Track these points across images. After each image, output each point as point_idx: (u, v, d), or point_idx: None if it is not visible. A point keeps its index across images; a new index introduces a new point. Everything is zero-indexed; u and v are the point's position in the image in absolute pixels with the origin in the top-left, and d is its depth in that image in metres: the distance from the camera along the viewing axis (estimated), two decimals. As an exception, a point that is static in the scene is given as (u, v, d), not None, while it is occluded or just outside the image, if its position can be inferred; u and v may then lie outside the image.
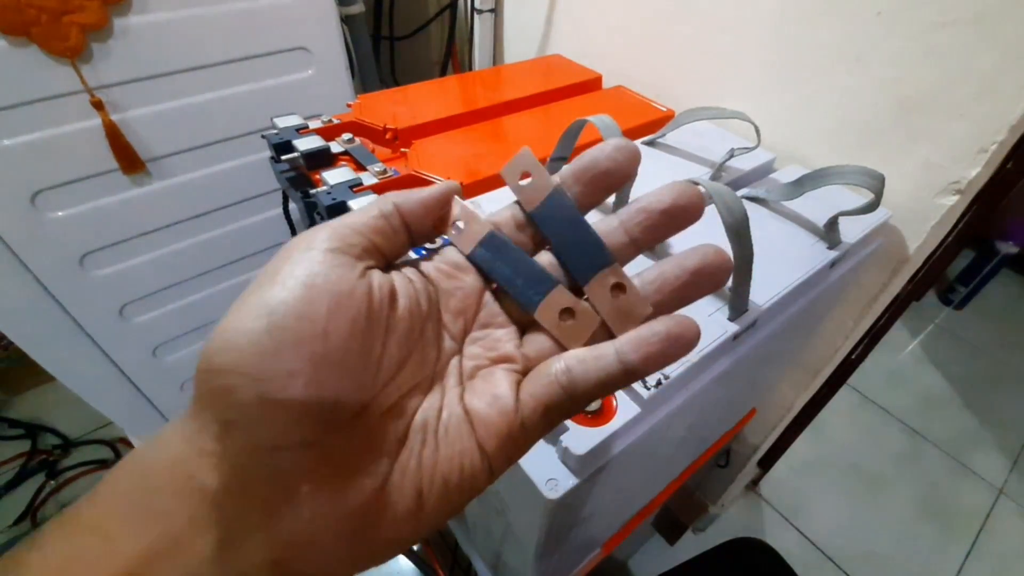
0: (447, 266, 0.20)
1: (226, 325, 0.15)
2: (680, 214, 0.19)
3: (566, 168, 0.20)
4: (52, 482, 1.11)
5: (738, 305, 0.37)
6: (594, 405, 0.32)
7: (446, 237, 0.20)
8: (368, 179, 0.50)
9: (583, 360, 0.18)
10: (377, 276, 0.17)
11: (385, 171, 0.50)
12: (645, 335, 0.17)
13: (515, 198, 0.20)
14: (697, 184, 0.18)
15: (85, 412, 0.89)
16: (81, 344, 0.75)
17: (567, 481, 0.30)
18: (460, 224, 0.20)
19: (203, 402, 0.15)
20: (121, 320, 0.77)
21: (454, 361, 0.19)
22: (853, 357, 0.69)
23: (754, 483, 1.19)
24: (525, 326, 0.20)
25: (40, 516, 1.07)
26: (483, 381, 0.19)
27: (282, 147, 0.52)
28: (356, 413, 0.16)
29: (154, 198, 0.71)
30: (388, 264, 0.19)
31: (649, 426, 0.33)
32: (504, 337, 0.20)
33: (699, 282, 0.19)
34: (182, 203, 0.74)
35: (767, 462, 1.02)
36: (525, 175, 0.20)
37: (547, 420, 0.18)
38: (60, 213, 0.64)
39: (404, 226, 0.19)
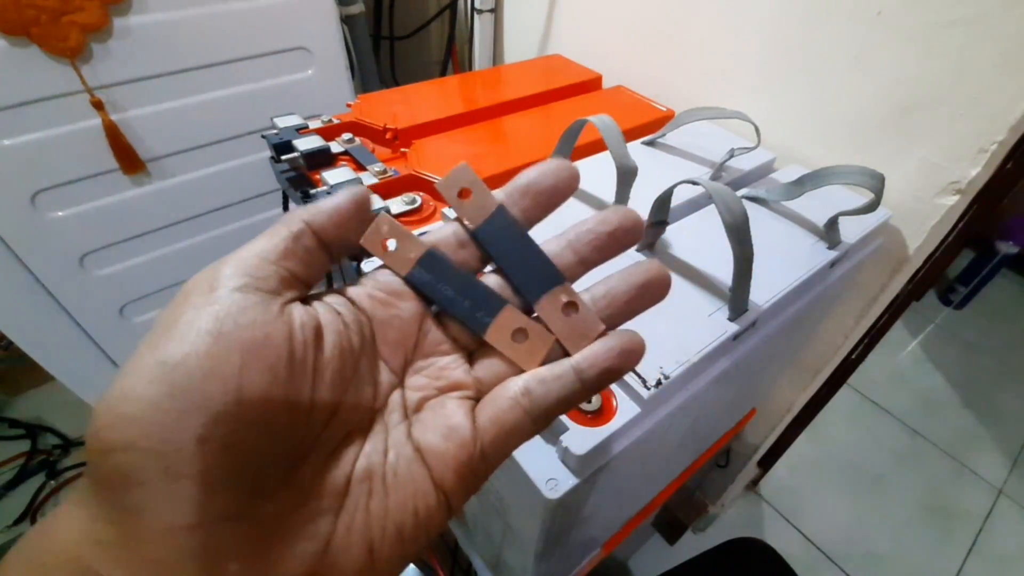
0: (381, 292, 0.18)
1: (116, 392, 0.13)
2: (624, 236, 0.19)
3: (508, 185, 0.19)
4: (52, 482, 1.11)
5: (738, 305, 0.37)
6: (594, 405, 0.32)
7: (375, 259, 0.18)
8: (368, 179, 0.50)
9: (543, 380, 0.17)
10: (298, 312, 0.15)
11: (385, 171, 0.50)
12: (601, 351, 0.17)
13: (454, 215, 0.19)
14: (633, 211, 0.19)
15: (85, 412, 0.89)
16: (81, 344, 0.75)
17: (567, 481, 0.30)
18: (391, 244, 0.18)
19: (98, 486, 0.13)
20: (121, 320, 0.77)
21: (395, 395, 0.18)
22: (853, 357, 0.69)
23: (754, 483, 1.19)
24: (472, 350, 0.19)
25: (40, 516, 1.07)
26: (433, 413, 0.17)
27: (282, 147, 0.52)
28: (285, 473, 0.15)
29: (154, 198, 0.71)
30: (308, 292, 0.17)
31: (649, 426, 0.33)
32: (451, 364, 0.18)
33: (645, 295, 0.19)
34: (182, 203, 0.74)
35: (767, 462, 1.02)
36: (465, 192, 0.19)
37: (508, 445, 0.17)
38: (60, 213, 0.64)
39: (320, 244, 0.17)
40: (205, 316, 0.14)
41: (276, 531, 0.14)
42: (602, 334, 0.18)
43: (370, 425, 0.17)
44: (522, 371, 0.18)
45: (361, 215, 0.17)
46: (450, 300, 0.18)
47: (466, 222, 0.19)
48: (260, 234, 0.16)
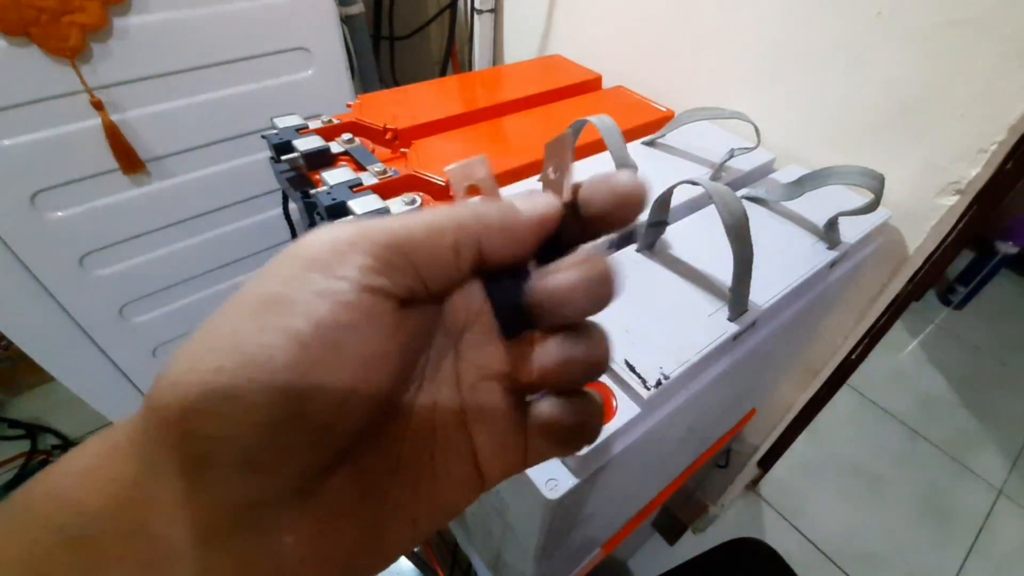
0: None
1: (216, 382, 0.12)
2: (629, 209, 0.17)
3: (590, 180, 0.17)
4: (52, 482, 1.10)
5: (738, 305, 0.37)
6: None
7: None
8: (368, 179, 0.50)
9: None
10: (412, 320, 0.15)
11: (385, 171, 0.50)
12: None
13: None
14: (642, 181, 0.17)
15: (85, 412, 0.89)
16: (81, 344, 0.75)
17: (567, 481, 0.30)
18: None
19: (164, 452, 0.12)
20: (121, 320, 0.77)
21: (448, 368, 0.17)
22: (853, 357, 0.69)
23: (754, 483, 1.19)
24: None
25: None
26: (480, 410, 0.17)
27: (282, 147, 0.52)
28: (346, 460, 0.14)
29: (154, 198, 0.71)
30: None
31: (649, 426, 0.33)
32: (491, 345, 0.17)
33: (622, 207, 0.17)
34: (182, 203, 0.74)
35: (767, 462, 1.02)
36: (473, 190, 0.17)
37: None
38: (60, 213, 0.64)
39: (473, 261, 0.15)
40: (321, 314, 0.13)
41: (331, 511, 0.14)
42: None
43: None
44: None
45: (541, 234, 0.16)
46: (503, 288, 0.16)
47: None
48: (412, 212, 0.16)
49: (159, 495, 0.12)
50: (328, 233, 0.14)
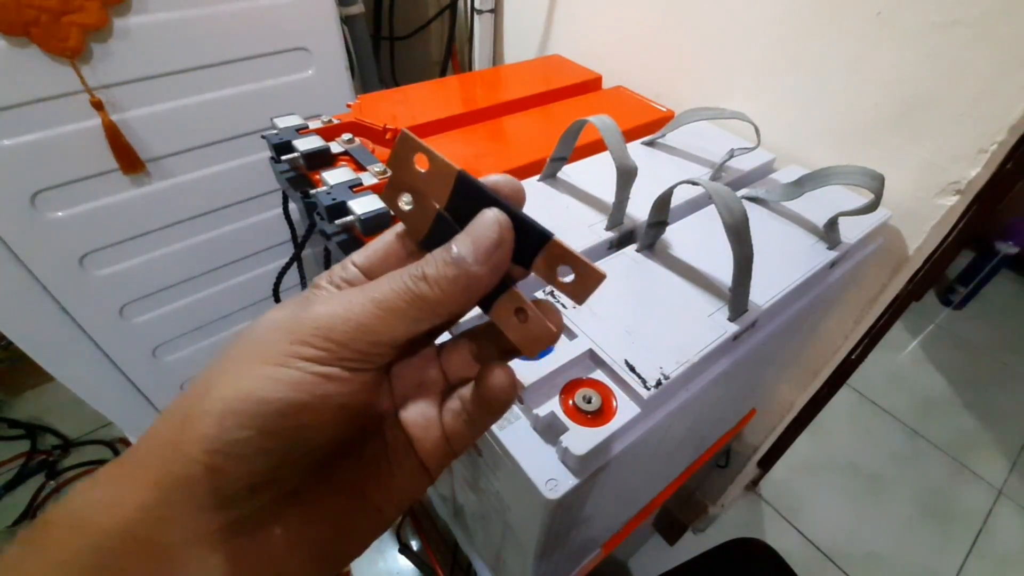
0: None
1: (223, 436, 0.15)
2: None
3: None
4: (52, 482, 1.11)
5: (738, 305, 0.37)
6: (594, 405, 0.32)
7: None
8: (368, 179, 0.50)
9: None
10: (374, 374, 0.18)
11: (385, 171, 0.50)
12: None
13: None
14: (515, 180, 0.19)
15: (85, 412, 0.89)
16: (81, 344, 0.75)
17: (567, 481, 0.30)
18: (405, 201, 0.18)
19: (187, 484, 0.15)
20: (121, 320, 0.77)
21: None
22: (853, 357, 0.69)
23: (754, 483, 1.19)
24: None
25: (39, 516, 1.07)
26: (416, 408, 0.20)
27: (282, 147, 0.52)
28: (322, 472, 0.18)
29: (154, 198, 0.71)
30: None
31: (649, 426, 0.33)
32: (426, 356, 0.21)
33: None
34: (182, 203, 0.74)
35: (767, 462, 1.02)
36: (421, 160, 0.18)
37: (467, 441, 0.20)
38: (60, 213, 0.64)
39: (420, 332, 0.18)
40: (305, 383, 0.16)
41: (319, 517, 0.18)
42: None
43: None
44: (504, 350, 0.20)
45: (495, 280, 0.18)
46: None
47: (432, 202, 0.18)
48: (385, 277, 0.18)
49: (173, 517, 0.15)
50: (275, 331, 0.17)
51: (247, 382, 0.15)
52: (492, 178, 0.18)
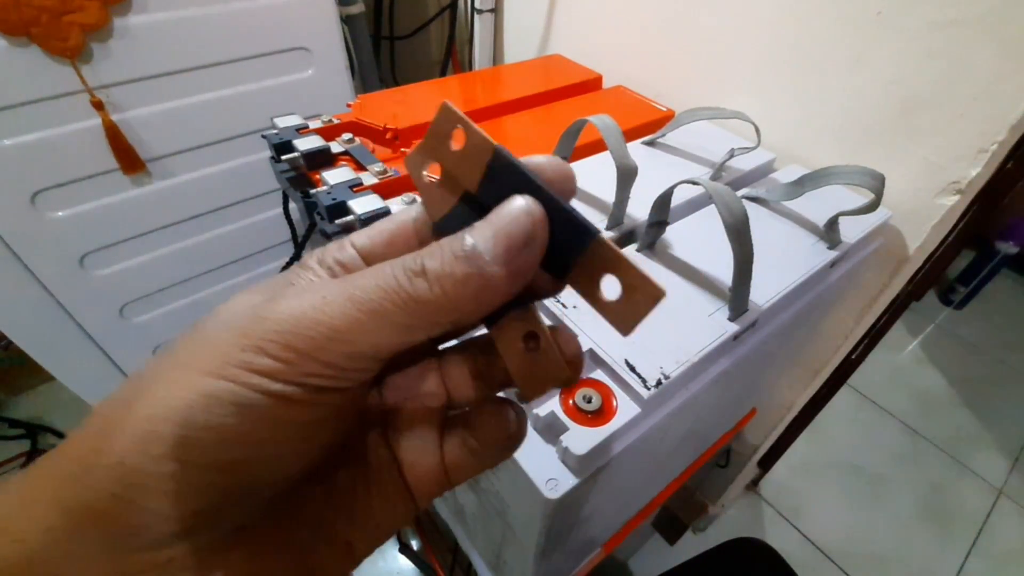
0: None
1: (145, 452, 0.12)
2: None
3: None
4: (52, 482, 1.10)
5: (738, 305, 0.37)
6: (594, 405, 0.32)
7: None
8: (368, 179, 0.50)
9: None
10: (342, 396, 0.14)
11: (385, 171, 0.50)
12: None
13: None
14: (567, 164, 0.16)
15: (85, 412, 0.89)
16: (81, 344, 0.75)
17: (567, 481, 0.30)
18: (428, 174, 0.15)
19: (97, 518, 0.12)
20: (121, 320, 0.77)
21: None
22: (853, 357, 0.69)
23: (754, 483, 1.19)
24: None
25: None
26: (409, 431, 0.17)
27: (282, 147, 0.52)
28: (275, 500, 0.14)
29: (154, 198, 0.71)
30: None
31: (649, 426, 0.33)
32: (424, 368, 0.17)
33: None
34: (182, 203, 0.74)
35: (767, 462, 1.02)
36: (459, 136, 0.14)
37: (465, 474, 0.17)
38: (60, 213, 0.64)
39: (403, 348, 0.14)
40: (255, 406, 0.12)
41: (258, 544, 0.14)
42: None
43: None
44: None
45: (514, 291, 0.13)
46: None
47: (464, 183, 0.14)
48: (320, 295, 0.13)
49: (82, 555, 0.12)
50: (227, 328, 0.13)
51: (179, 397, 0.12)
52: (536, 159, 0.14)
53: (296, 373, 0.12)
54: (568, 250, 0.14)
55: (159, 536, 0.12)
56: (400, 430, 0.16)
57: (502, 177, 0.14)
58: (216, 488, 0.12)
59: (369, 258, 0.15)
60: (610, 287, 0.14)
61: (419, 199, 0.15)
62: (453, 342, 0.18)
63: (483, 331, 0.15)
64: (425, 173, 0.15)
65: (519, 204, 0.13)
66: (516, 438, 0.17)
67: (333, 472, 0.16)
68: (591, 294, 0.14)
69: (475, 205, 0.14)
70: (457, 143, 0.14)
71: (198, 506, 0.12)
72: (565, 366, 0.14)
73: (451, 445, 0.16)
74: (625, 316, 0.14)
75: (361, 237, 0.16)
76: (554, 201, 0.13)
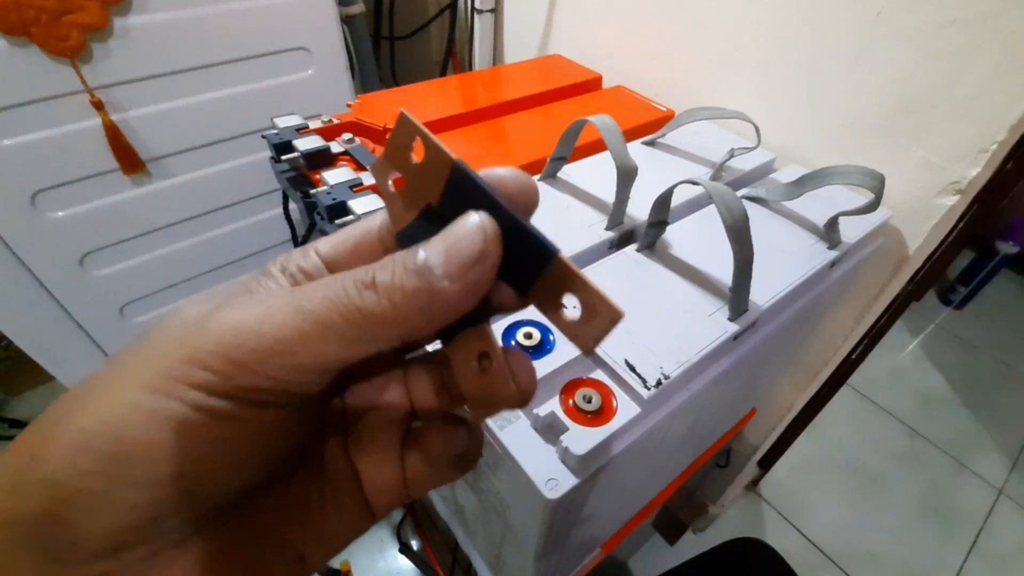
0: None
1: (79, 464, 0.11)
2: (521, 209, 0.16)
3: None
4: (52, 482, 1.11)
5: (738, 305, 0.37)
6: (594, 405, 0.31)
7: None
8: (368, 179, 0.50)
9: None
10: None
11: (385, 171, 0.50)
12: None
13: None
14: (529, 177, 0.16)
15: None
16: (81, 344, 0.75)
17: (567, 481, 0.30)
18: (391, 183, 0.15)
19: (26, 530, 0.11)
20: (121, 320, 0.77)
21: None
22: (853, 357, 0.69)
23: (754, 483, 1.19)
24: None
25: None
26: (371, 443, 0.16)
27: (282, 147, 0.52)
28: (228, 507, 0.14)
29: (154, 198, 0.71)
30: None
31: (649, 426, 0.33)
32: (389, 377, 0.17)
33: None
34: (182, 203, 0.74)
35: (767, 462, 1.02)
36: (418, 149, 0.14)
37: (428, 485, 0.17)
38: (60, 213, 0.64)
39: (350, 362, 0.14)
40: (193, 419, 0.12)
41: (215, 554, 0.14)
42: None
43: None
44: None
45: (467, 308, 0.13)
46: None
47: (424, 198, 0.14)
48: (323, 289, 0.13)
49: (14, 567, 0.12)
50: (169, 338, 0.13)
51: (112, 411, 0.12)
52: (498, 172, 0.14)
53: (234, 387, 0.12)
54: (530, 267, 0.14)
55: (91, 551, 0.11)
56: (361, 441, 0.16)
57: (462, 191, 0.14)
58: (150, 503, 0.12)
59: (333, 266, 0.15)
60: (571, 306, 0.14)
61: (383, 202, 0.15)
62: (421, 351, 0.18)
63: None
64: (390, 182, 0.15)
65: (473, 220, 0.13)
66: (468, 458, 0.16)
67: (287, 481, 0.15)
68: (553, 312, 0.14)
69: (437, 218, 0.14)
70: (418, 155, 0.14)
71: (130, 521, 0.12)
72: (514, 390, 0.14)
73: (412, 459, 0.16)
74: (585, 336, 0.14)
75: (325, 245, 0.15)
76: (514, 219, 0.13)
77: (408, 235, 0.15)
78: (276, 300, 0.13)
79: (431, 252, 0.13)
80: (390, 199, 0.15)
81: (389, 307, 0.12)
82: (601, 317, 0.13)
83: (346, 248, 0.15)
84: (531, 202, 0.15)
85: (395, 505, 0.16)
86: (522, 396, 0.14)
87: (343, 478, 0.16)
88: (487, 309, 0.14)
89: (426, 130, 0.14)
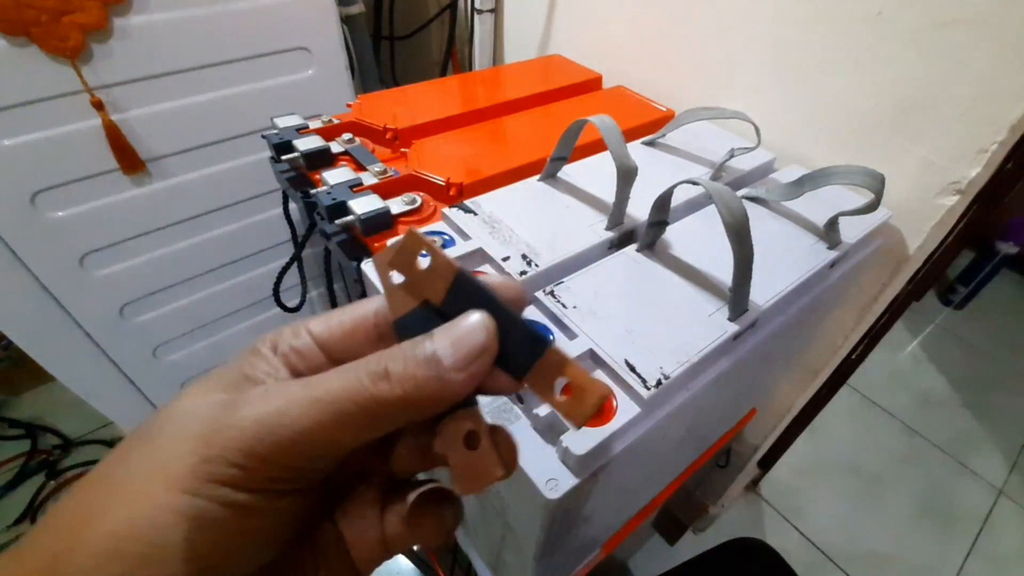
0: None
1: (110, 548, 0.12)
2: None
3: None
4: (52, 482, 1.10)
5: (738, 305, 0.37)
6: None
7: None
8: (368, 179, 0.50)
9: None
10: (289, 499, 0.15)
11: (385, 171, 0.50)
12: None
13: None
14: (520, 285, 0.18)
15: (85, 412, 0.89)
16: (81, 344, 0.75)
17: (567, 481, 0.30)
18: (395, 278, 0.16)
19: None
20: (121, 320, 0.77)
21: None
22: (853, 357, 0.69)
23: (754, 483, 1.19)
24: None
25: (40, 516, 1.07)
26: (355, 515, 0.17)
27: (282, 147, 0.52)
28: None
29: (154, 198, 0.71)
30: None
31: (649, 426, 0.33)
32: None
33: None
34: (182, 203, 0.74)
35: (767, 462, 1.02)
36: (411, 261, 0.16)
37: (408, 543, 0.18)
38: (60, 213, 0.64)
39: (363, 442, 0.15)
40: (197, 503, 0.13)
41: None
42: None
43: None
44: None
45: (472, 387, 0.15)
46: None
47: (428, 300, 0.16)
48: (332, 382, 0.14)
49: None
50: (186, 437, 0.13)
51: (144, 514, 0.12)
52: (492, 280, 0.17)
53: (259, 480, 0.13)
54: (525, 356, 0.16)
55: None
56: (345, 507, 0.17)
57: (464, 293, 0.16)
58: None
59: (326, 347, 0.16)
60: (563, 387, 0.16)
61: (383, 292, 0.17)
62: None
63: None
64: (392, 274, 0.16)
65: (477, 318, 0.15)
66: (452, 530, 0.17)
67: (281, 558, 0.16)
68: (546, 393, 0.16)
69: (434, 311, 0.16)
70: (424, 263, 0.16)
71: None
72: (500, 467, 0.16)
73: (391, 519, 0.17)
74: (577, 412, 0.16)
75: (319, 325, 0.16)
76: (512, 316, 0.15)
77: (405, 323, 0.16)
78: (293, 393, 0.14)
79: (439, 345, 0.14)
80: (391, 292, 0.16)
81: (402, 395, 0.14)
82: (591, 395, 0.15)
83: (342, 330, 0.16)
84: (521, 303, 0.17)
85: (379, 563, 0.17)
86: (506, 472, 0.16)
87: (332, 544, 0.17)
88: (478, 392, 0.16)
89: (434, 245, 0.16)
